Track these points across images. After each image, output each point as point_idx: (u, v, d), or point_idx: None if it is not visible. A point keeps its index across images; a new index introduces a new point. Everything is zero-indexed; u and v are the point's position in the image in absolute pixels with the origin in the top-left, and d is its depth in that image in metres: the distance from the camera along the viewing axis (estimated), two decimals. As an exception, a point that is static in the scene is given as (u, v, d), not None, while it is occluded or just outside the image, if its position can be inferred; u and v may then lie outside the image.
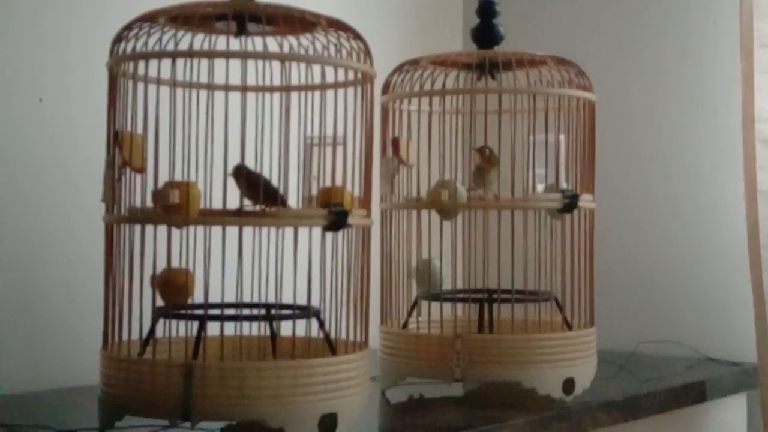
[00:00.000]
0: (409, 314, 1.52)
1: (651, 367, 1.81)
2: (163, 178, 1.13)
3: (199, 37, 1.22)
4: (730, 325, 1.93)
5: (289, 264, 1.17)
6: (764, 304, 1.77)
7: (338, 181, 1.19)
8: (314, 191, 1.24)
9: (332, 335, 1.20)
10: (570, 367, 1.43)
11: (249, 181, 1.17)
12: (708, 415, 1.79)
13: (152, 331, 1.17)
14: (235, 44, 1.25)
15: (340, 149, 1.20)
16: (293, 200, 1.25)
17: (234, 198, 1.17)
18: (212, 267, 1.14)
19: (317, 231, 1.17)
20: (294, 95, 1.24)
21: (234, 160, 1.14)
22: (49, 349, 1.54)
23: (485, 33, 1.55)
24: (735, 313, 1.92)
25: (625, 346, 1.92)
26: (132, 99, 1.17)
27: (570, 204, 1.46)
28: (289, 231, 1.18)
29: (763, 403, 1.77)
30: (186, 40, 1.18)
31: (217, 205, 1.20)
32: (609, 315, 1.76)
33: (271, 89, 1.31)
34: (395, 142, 1.50)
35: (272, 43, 1.25)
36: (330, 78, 1.25)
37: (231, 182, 1.13)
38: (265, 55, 1.19)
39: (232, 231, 1.13)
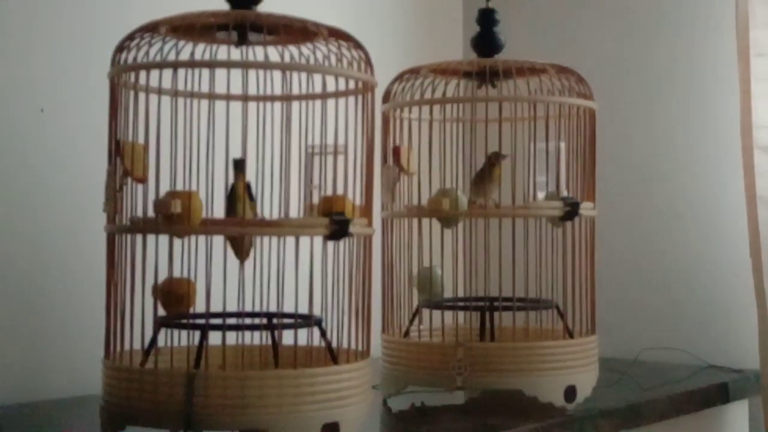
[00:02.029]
0: (411, 322, 1.52)
1: (653, 374, 1.81)
2: (165, 187, 1.14)
3: (201, 47, 1.22)
4: (731, 332, 1.93)
5: (290, 273, 1.17)
6: (766, 308, 1.77)
7: (339, 190, 1.19)
8: (315, 200, 1.25)
9: (334, 344, 1.20)
10: (571, 374, 1.43)
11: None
12: (710, 422, 1.79)
13: (154, 340, 1.17)
14: (236, 54, 1.25)
15: (341, 158, 1.21)
16: (294, 209, 1.25)
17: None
18: (214, 276, 1.14)
19: (318, 240, 1.17)
20: (295, 104, 1.24)
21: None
22: (51, 358, 1.54)
23: (485, 41, 1.56)
24: (736, 320, 1.92)
25: (626, 354, 1.92)
26: (133, 109, 1.17)
27: (571, 212, 1.46)
28: (290, 240, 1.19)
29: (767, 407, 1.77)
30: (187, 50, 1.19)
31: (218, 214, 1.20)
32: (610, 322, 1.76)
33: (272, 98, 1.31)
34: (396, 151, 1.50)
35: (273, 53, 1.26)
36: (331, 87, 1.25)
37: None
38: (266, 65, 1.19)
39: (233, 240, 1.13)
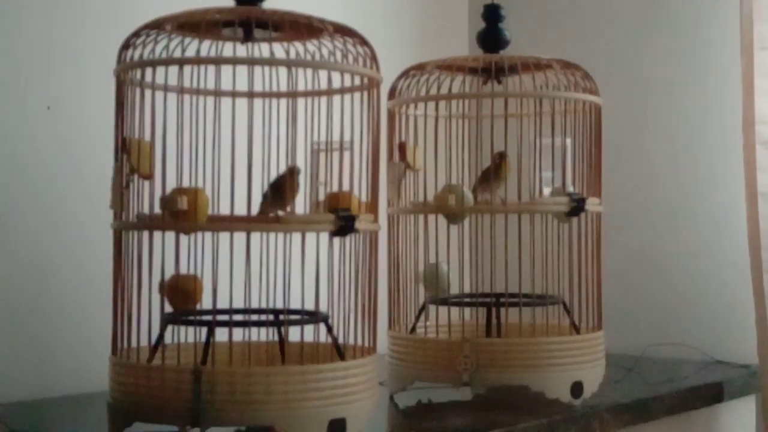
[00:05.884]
0: (417, 319, 1.52)
1: (659, 370, 1.81)
2: (171, 184, 1.14)
3: (206, 43, 1.22)
4: (738, 327, 1.92)
5: (296, 269, 1.18)
6: (765, 307, 1.76)
7: (345, 187, 1.19)
8: (321, 196, 1.25)
9: (340, 340, 1.20)
10: (578, 370, 1.43)
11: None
12: (717, 418, 1.79)
13: (161, 337, 1.18)
14: (241, 51, 1.25)
15: (347, 154, 1.21)
16: (300, 206, 1.25)
17: (241, 204, 1.17)
18: (220, 273, 1.14)
19: (325, 236, 1.17)
20: (301, 101, 1.24)
21: (241, 166, 1.14)
22: (58, 355, 1.54)
23: (491, 37, 1.56)
24: (743, 316, 1.91)
25: (633, 350, 1.92)
26: (140, 106, 1.18)
27: (577, 207, 1.46)
28: (296, 236, 1.19)
29: (765, 406, 1.77)
30: (193, 46, 1.19)
31: (224, 211, 1.20)
32: (617, 318, 1.76)
33: (278, 95, 1.31)
34: (402, 147, 1.50)
35: (279, 50, 1.26)
36: (336, 83, 1.25)
37: (239, 188, 1.13)
38: (272, 62, 1.19)
39: (239, 237, 1.13)
